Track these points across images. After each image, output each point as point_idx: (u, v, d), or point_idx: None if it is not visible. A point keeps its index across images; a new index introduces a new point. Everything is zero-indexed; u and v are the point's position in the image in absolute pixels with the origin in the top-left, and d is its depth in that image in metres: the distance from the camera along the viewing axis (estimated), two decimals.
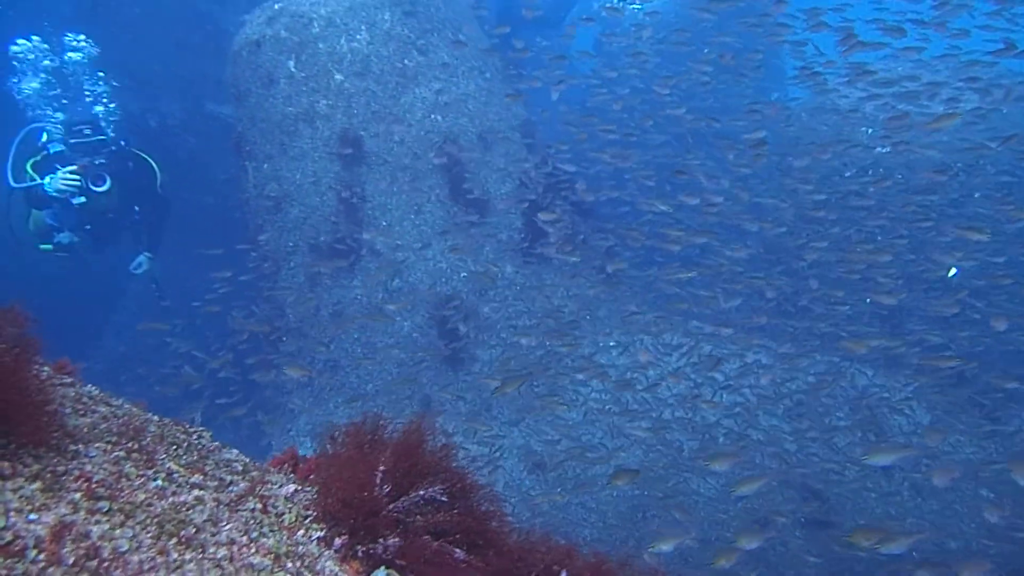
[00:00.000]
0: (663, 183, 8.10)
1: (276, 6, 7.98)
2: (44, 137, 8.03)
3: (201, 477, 2.07)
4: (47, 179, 7.56)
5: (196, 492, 2.00)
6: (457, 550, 2.18)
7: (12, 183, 7.74)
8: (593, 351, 7.31)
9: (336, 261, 7.46)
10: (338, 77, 7.68)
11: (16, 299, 1.98)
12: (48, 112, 8.66)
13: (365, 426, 2.21)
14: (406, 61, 7.80)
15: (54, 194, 7.57)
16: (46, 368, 2.20)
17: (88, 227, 7.88)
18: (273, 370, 6.75)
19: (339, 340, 7.48)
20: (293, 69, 7.74)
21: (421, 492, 2.18)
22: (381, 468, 2.14)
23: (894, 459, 5.34)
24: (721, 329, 7.47)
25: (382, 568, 2.03)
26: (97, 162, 7.64)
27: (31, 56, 9.14)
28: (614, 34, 9.46)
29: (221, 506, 2.00)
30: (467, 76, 8.00)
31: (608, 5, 8.73)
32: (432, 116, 7.74)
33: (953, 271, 7.18)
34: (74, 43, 9.33)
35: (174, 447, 2.14)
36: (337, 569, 2.04)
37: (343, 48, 7.71)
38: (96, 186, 7.63)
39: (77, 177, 7.53)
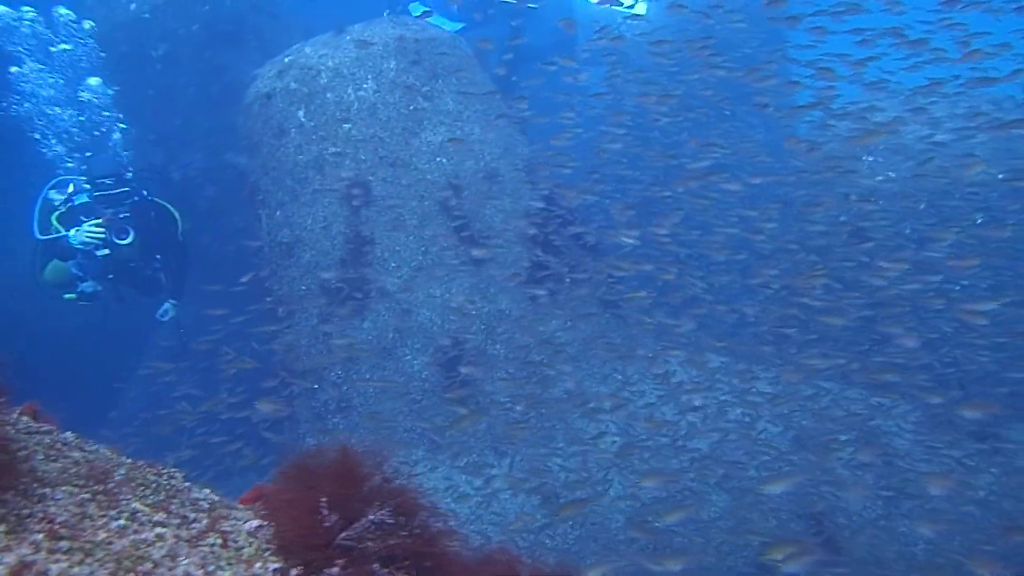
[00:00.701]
0: (645, 216, 8.30)
1: (286, 59, 8.30)
2: (70, 188, 8.35)
3: (165, 515, 2.22)
4: (72, 231, 7.88)
5: (158, 530, 2.15)
6: None
7: (39, 235, 8.07)
8: (588, 382, 7.42)
9: (346, 303, 7.66)
10: (346, 125, 7.95)
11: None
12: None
13: (308, 458, 2.35)
14: (412, 107, 8.05)
15: (79, 246, 7.87)
16: (24, 417, 2.37)
17: (111, 276, 8.17)
18: (285, 411, 6.92)
19: (351, 380, 7.65)
20: (303, 119, 8.02)
21: (371, 517, 2.31)
22: (324, 499, 2.27)
23: (788, 486, 5.42)
24: (706, 354, 7.63)
25: None
26: (121, 215, 7.95)
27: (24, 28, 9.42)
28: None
29: (181, 542, 2.14)
30: (472, 119, 8.22)
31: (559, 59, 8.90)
32: (438, 159, 7.96)
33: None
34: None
35: (141, 488, 2.30)
36: None
37: (351, 97, 7.98)
38: (120, 239, 7.93)
39: (101, 230, 7.84)
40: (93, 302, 8.26)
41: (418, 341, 7.59)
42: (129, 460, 2.45)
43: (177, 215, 8.58)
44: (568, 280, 7.98)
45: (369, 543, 2.30)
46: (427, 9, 11.08)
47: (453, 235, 7.81)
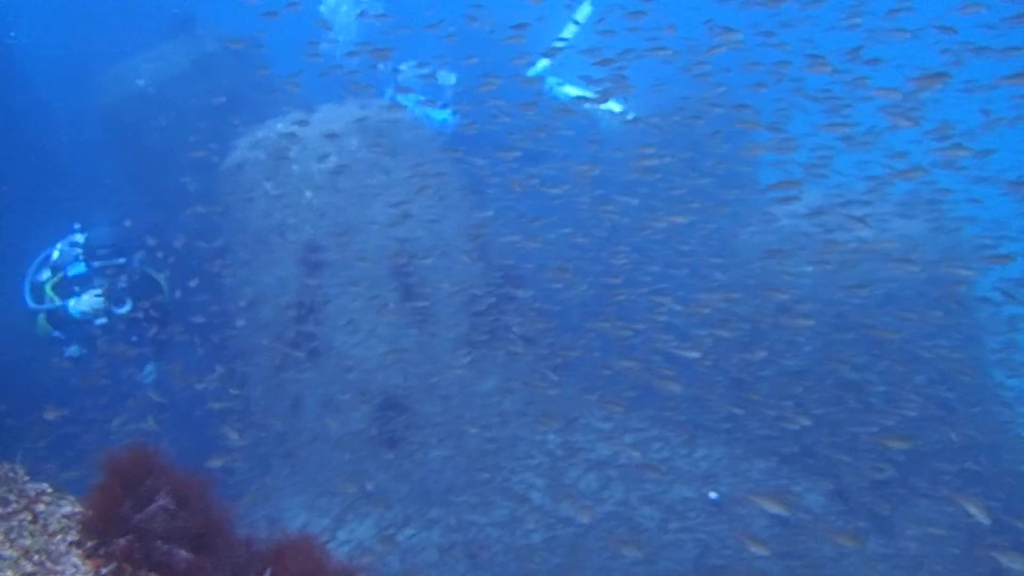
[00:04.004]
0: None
1: (259, 133, 9.08)
2: (55, 255, 8.80)
3: None
4: (72, 301, 8.33)
5: None
6: (181, 551, 2.81)
7: (32, 304, 8.48)
8: (520, 441, 7.88)
9: (297, 356, 8.24)
10: (308, 194, 8.64)
11: None
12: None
13: (115, 455, 2.89)
14: (371, 180, 8.73)
15: (78, 316, 8.33)
16: None
17: (97, 342, 8.59)
18: (225, 456, 7.37)
19: (296, 429, 8.18)
20: (269, 188, 8.73)
21: (159, 503, 2.84)
22: (122, 486, 2.81)
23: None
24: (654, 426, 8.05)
25: None
26: (119, 286, 8.46)
27: None
28: None
29: None
30: (428, 193, 8.87)
31: None
32: (391, 228, 8.60)
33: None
34: None
35: None
36: (80, 563, 2.70)
37: (314, 169, 8.69)
38: (117, 308, 8.43)
39: (101, 300, 8.33)
40: (78, 366, 8.66)
41: (360, 395, 8.11)
42: None
43: (163, 282, 9.05)
44: (508, 343, 8.51)
45: (156, 524, 2.83)
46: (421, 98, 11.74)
47: (400, 298, 8.39)
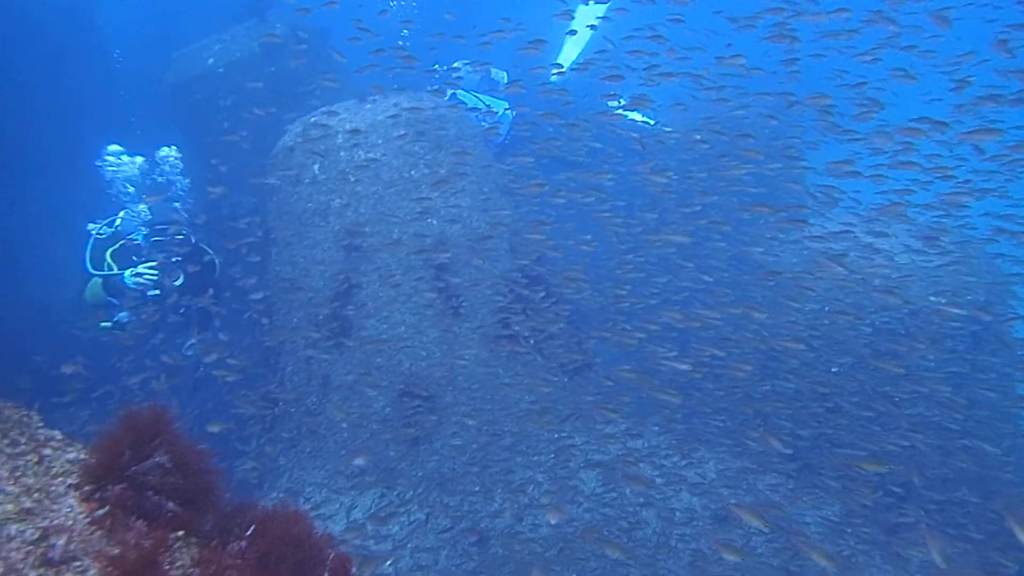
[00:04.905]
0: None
1: (311, 119, 9.42)
2: (117, 222, 9.25)
3: (1, 437, 3.08)
4: (127, 272, 8.77)
5: None
6: (170, 503, 3.09)
7: (91, 270, 8.97)
8: (531, 438, 8.07)
9: (328, 338, 8.57)
10: (353, 180, 8.96)
11: None
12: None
13: (131, 412, 3.18)
14: (413, 172, 9.01)
15: (132, 286, 8.79)
16: None
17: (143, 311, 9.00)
18: (228, 422, 7.66)
19: (323, 410, 8.51)
20: (317, 172, 9.07)
21: (156, 459, 3.12)
22: (128, 441, 3.10)
23: None
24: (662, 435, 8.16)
25: None
26: (174, 259, 8.88)
27: None
28: None
29: (2, 455, 3.00)
30: (465, 188, 9.13)
31: None
32: (429, 220, 8.87)
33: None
34: None
35: None
36: (75, 504, 2.99)
37: (360, 157, 9.00)
38: (170, 281, 8.83)
39: (155, 272, 8.75)
40: (125, 331, 9.11)
41: (384, 380, 8.41)
42: (11, 404, 3.32)
43: (217, 260, 9.44)
44: (531, 342, 8.72)
45: (150, 478, 3.12)
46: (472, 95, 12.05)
47: (431, 288, 8.66)
